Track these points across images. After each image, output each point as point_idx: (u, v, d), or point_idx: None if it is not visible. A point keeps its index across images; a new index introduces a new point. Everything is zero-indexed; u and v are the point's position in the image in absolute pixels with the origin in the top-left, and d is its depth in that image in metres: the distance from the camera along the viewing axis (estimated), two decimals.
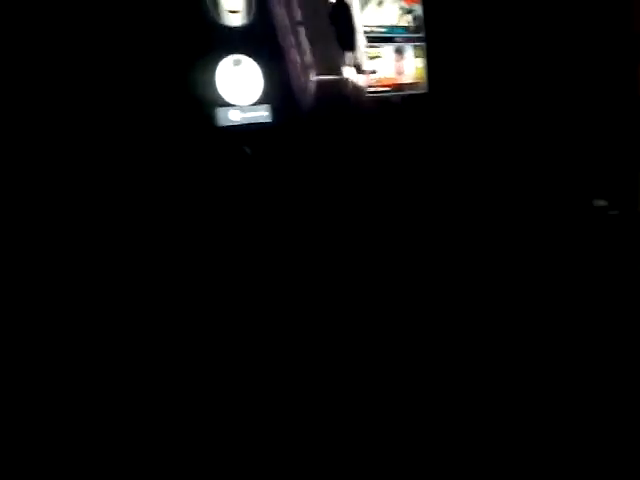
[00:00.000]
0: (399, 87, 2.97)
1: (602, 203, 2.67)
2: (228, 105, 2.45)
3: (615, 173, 2.83)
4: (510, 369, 2.20)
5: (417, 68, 3.03)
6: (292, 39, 2.62)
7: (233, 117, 2.48)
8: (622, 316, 2.36)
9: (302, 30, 2.64)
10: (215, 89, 2.42)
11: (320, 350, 2.33)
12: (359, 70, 2.83)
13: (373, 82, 2.88)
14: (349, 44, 2.78)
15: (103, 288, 2.07)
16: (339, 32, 2.74)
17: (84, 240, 2.06)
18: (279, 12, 2.56)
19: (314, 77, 2.70)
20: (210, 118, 2.42)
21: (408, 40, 2.98)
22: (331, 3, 2.71)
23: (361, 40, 2.82)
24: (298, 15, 2.62)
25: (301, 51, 2.65)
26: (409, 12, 2.97)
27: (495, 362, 2.26)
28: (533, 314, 2.49)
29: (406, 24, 2.98)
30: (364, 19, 2.81)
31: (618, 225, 2.52)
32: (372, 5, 2.83)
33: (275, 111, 2.57)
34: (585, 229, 2.75)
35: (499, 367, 2.22)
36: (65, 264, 2.01)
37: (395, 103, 2.95)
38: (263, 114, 2.55)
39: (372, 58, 2.85)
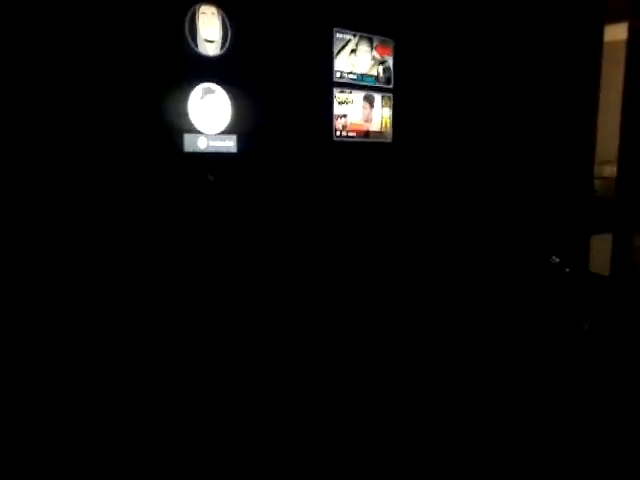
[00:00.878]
0: (366, 134, 3.03)
1: (557, 260, 2.79)
2: (196, 132, 2.43)
3: (570, 234, 2.98)
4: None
5: (384, 117, 3.10)
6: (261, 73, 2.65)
7: (200, 144, 2.45)
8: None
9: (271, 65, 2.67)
10: (185, 115, 2.40)
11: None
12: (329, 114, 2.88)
13: (341, 126, 2.92)
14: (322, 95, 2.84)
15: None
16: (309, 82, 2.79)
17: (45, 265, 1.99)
18: (251, 46, 2.59)
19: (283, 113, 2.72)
20: (178, 144, 2.39)
21: (378, 89, 3.06)
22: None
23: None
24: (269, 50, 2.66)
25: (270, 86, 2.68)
26: (381, 63, 3.06)
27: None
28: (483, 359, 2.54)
29: (377, 74, 3.06)
30: (337, 64, 2.87)
31: (570, 281, 2.62)
32: (345, 52, 2.90)
33: (241, 141, 2.56)
34: (541, 283, 2.86)
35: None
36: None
37: (360, 148, 3.01)
38: (229, 144, 2.54)
39: (341, 103, 2.90)
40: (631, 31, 4.27)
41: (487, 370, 2.45)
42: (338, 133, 2.91)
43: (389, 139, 3.14)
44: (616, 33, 4.42)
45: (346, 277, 2.82)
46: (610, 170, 4.24)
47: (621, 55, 4.37)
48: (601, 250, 2.96)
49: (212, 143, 2.49)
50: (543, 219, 3.24)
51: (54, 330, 1.98)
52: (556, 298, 2.64)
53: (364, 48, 2.98)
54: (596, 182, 3.99)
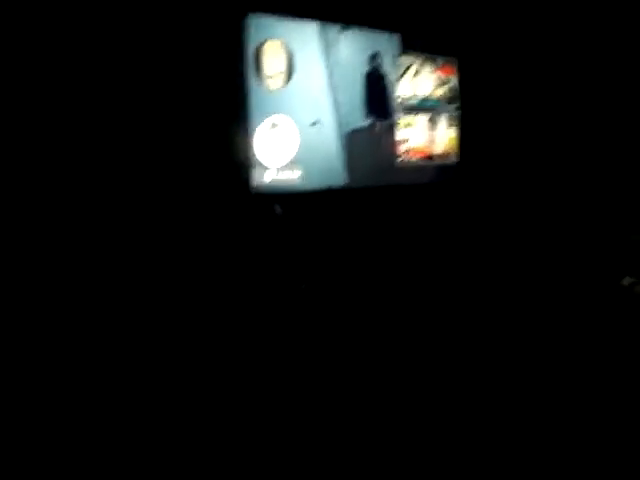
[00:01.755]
0: (430, 156, 3.02)
1: (629, 280, 2.66)
2: (262, 166, 2.52)
3: None
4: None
5: (450, 138, 3.07)
6: (328, 105, 2.70)
7: (266, 178, 2.54)
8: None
9: (338, 96, 2.71)
10: (251, 150, 2.49)
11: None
12: (392, 138, 2.90)
13: (405, 150, 2.93)
14: (382, 112, 2.85)
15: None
16: (372, 100, 2.81)
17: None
18: (316, 79, 2.64)
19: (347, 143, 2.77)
20: (245, 177, 2.49)
21: (442, 110, 3.03)
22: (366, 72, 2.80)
23: (395, 108, 2.89)
24: (334, 82, 2.71)
25: (337, 118, 2.72)
26: (445, 83, 3.03)
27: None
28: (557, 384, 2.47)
29: (441, 94, 3.03)
30: (399, 88, 2.87)
31: None
32: (408, 75, 2.89)
33: (307, 174, 2.64)
34: (611, 306, 2.74)
35: None
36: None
37: (427, 172, 2.99)
38: (295, 176, 2.61)
39: (405, 126, 2.90)
40: None
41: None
42: (402, 157, 2.92)
43: (456, 159, 3.11)
44: None
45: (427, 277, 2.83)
46: None
47: None
48: None
49: (278, 176, 2.57)
50: (619, 234, 3.08)
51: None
52: (628, 324, 2.53)
53: (427, 69, 2.96)
54: None
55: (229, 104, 2.42)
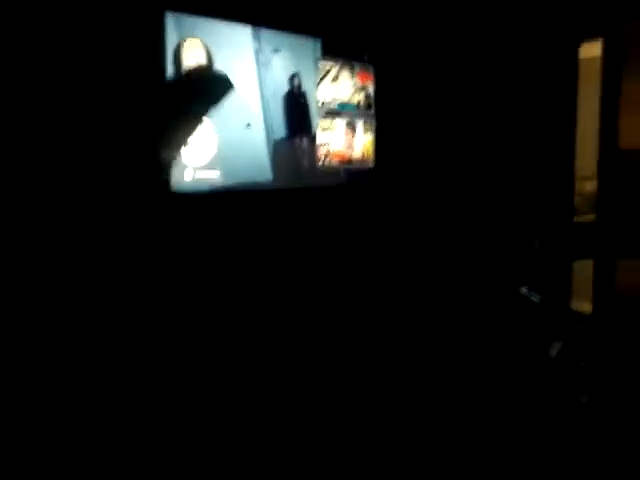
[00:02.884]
0: (349, 160, 3.06)
1: (525, 290, 2.78)
2: (182, 165, 2.43)
3: (547, 260, 2.98)
4: None
5: (366, 143, 3.13)
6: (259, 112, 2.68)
7: (186, 176, 2.44)
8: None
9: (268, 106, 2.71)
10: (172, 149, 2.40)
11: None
12: (312, 141, 2.91)
13: (325, 154, 2.95)
14: (303, 126, 2.87)
15: None
16: (292, 116, 2.82)
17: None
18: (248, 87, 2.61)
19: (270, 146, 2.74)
20: (164, 176, 2.38)
21: (359, 116, 3.09)
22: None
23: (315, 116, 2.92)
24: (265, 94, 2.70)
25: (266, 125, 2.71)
26: (362, 89, 3.09)
27: None
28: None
29: (358, 100, 3.09)
30: (319, 92, 2.89)
31: (542, 313, 2.63)
32: (327, 80, 2.93)
33: (229, 172, 2.57)
34: (507, 316, 2.88)
35: None
36: None
37: (345, 175, 3.04)
38: (215, 175, 2.53)
39: (324, 130, 2.92)
40: (605, 48, 4.34)
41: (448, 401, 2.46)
42: (322, 160, 2.94)
43: (372, 164, 3.17)
44: (592, 50, 4.49)
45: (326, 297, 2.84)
46: (592, 186, 4.27)
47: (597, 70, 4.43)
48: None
49: (198, 175, 2.49)
50: (519, 243, 3.27)
51: None
52: (522, 331, 2.66)
53: (345, 75, 3.01)
54: (577, 198, 4.03)
55: (148, 100, 2.31)
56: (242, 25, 2.60)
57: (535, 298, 2.63)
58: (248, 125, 2.65)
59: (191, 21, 2.42)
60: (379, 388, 2.45)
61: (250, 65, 2.64)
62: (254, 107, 2.67)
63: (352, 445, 2.03)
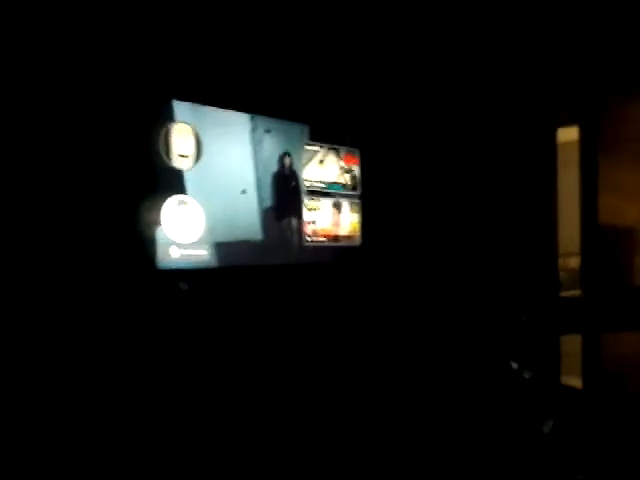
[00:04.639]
0: (335, 238, 3.14)
1: (515, 366, 2.77)
2: (169, 242, 2.50)
3: (534, 335, 2.99)
4: None
5: (352, 222, 3.23)
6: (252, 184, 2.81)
7: (173, 254, 2.52)
8: None
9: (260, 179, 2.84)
10: (159, 226, 2.48)
11: None
12: (299, 221, 3.00)
13: (312, 232, 3.04)
14: (291, 199, 2.98)
15: None
16: (281, 193, 2.94)
17: None
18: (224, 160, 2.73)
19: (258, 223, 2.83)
20: (151, 254, 2.45)
21: (345, 196, 3.21)
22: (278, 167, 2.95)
23: (302, 196, 3.03)
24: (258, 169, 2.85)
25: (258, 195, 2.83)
26: (348, 172, 3.23)
27: None
28: None
29: (344, 181, 3.22)
30: (306, 174, 3.02)
31: (532, 388, 2.61)
32: (314, 162, 3.06)
33: (215, 251, 2.64)
34: (498, 392, 2.86)
35: None
36: None
37: (332, 252, 3.10)
38: (203, 253, 2.60)
39: (311, 210, 3.03)
40: (582, 132, 4.56)
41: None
42: (309, 238, 3.02)
43: (358, 242, 3.25)
44: (570, 134, 4.70)
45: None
46: (576, 262, 4.34)
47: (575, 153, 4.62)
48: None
49: (185, 252, 2.56)
50: (505, 318, 3.29)
51: None
52: (513, 408, 2.64)
53: (331, 158, 3.16)
54: (562, 274, 4.09)
55: (136, 181, 2.41)
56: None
57: (526, 374, 2.63)
58: (243, 191, 2.79)
59: (182, 106, 2.57)
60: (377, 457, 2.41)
61: (245, 142, 2.81)
62: (249, 177, 2.82)
63: None
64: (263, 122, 2.85)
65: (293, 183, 3.00)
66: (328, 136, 3.14)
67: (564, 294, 3.84)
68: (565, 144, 4.43)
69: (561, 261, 4.05)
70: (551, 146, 4.22)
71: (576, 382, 2.61)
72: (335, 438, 2.60)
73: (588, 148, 4.45)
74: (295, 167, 3.00)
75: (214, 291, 2.61)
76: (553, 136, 4.22)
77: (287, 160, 2.97)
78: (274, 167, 2.92)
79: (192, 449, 2.29)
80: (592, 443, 2.39)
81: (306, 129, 3.05)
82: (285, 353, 2.77)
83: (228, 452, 2.35)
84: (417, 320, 3.33)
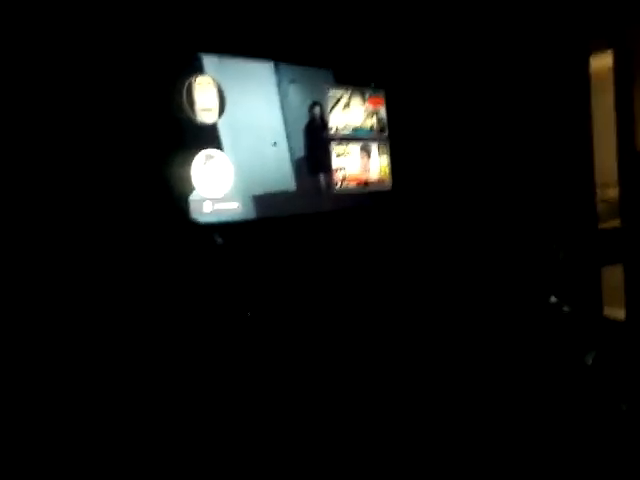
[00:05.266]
0: (366, 183, 3.10)
1: (554, 300, 2.73)
2: (201, 197, 2.51)
3: (574, 268, 2.94)
4: None
5: (382, 166, 3.18)
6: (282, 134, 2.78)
7: (206, 208, 2.52)
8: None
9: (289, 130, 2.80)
10: (189, 182, 2.48)
11: None
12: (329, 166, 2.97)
13: (342, 178, 3.00)
14: (320, 147, 2.94)
15: None
16: (311, 137, 2.90)
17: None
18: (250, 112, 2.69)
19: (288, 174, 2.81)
20: (184, 209, 2.46)
21: (373, 139, 3.14)
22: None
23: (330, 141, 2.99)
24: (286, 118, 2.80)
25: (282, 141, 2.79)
26: (374, 114, 3.15)
27: None
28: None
29: (371, 124, 3.15)
30: (332, 120, 2.96)
31: (571, 321, 2.58)
32: (339, 107, 3.00)
33: (248, 204, 2.64)
34: (538, 323, 2.83)
35: None
36: None
37: (363, 197, 3.07)
38: (235, 206, 2.60)
39: (339, 155, 2.98)
40: (615, 58, 4.37)
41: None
42: (339, 184, 2.99)
43: (389, 186, 3.21)
44: (604, 61, 4.52)
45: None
46: (614, 192, 4.23)
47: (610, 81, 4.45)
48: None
49: (217, 206, 2.56)
50: (544, 253, 3.23)
51: None
52: (555, 341, 2.61)
53: (357, 101, 3.08)
54: (600, 205, 3.99)
55: (164, 137, 2.40)
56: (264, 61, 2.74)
57: (566, 307, 2.60)
58: (275, 144, 2.77)
59: (204, 59, 2.53)
60: (405, 404, 2.43)
61: (271, 93, 2.76)
62: (278, 129, 2.79)
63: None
64: (287, 71, 2.79)
65: (322, 131, 2.95)
66: (352, 79, 3.05)
67: (603, 226, 3.75)
68: (600, 70, 4.25)
69: (599, 192, 3.95)
70: (584, 73, 4.05)
71: (619, 314, 2.56)
72: (373, 378, 2.64)
73: (623, 74, 4.26)
74: (324, 115, 2.94)
75: (249, 243, 2.62)
76: (586, 63, 4.05)
77: (317, 109, 2.92)
78: (303, 117, 2.87)
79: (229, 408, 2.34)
80: (635, 373, 2.37)
81: (330, 74, 2.97)
82: (322, 301, 2.78)
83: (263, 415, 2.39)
84: (453, 259, 3.30)
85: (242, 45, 2.63)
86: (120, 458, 1.95)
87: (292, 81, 2.81)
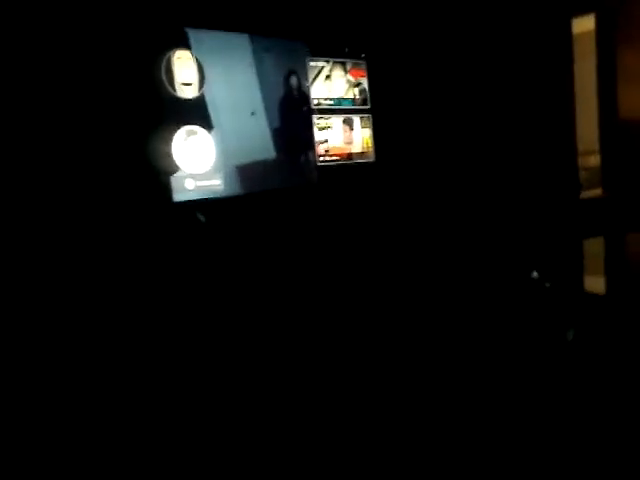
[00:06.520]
0: (349, 156, 3.09)
1: (536, 275, 2.75)
2: (184, 174, 2.49)
3: (555, 241, 2.96)
4: None
5: (365, 138, 3.16)
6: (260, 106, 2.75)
7: (188, 185, 2.51)
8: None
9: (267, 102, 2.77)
10: (170, 158, 2.46)
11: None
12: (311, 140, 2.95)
13: (324, 151, 2.99)
14: (299, 119, 2.91)
15: None
16: (289, 107, 2.86)
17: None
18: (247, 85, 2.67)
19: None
20: (166, 186, 2.45)
21: (355, 111, 3.12)
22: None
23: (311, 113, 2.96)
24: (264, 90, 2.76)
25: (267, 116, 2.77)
26: (356, 85, 3.12)
27: None
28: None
29: (353, 96, 3.12)
30: (313, 91, 2.93)
31: (551, 297, 2.60)
32: (320, 78, 2.96)
33: (230, 179, 2.62)
34: (519, 298, 2.87)
35: None
36: None
37: (347, 170, 3.07)
38: (218, 182, 2.59)
39: (322, 129, 2.96)
40: (598, 21, 4.35)
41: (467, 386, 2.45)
42: (322, 157, 2.97)
43: (372, 158, 3.20)
44: (585, 24, 4.49)
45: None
46: (596, 160, 4.26)
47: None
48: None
49: (199, 183, 2.54)
50: (525, 224, 3.25)
51: None
52: (534, 317, 2.64)
53: (338, 73, 3.05)
54: (582, 173, 4.02)
55: (144, 113, 2.37)
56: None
57: (547, 283, 2.61)
58: (252, 113, 2.73)
59: (181, 32, 2.48)
60: (388, 383, 2.47)
61: (247, 64, 2.72)
62: (256, 99, 2.75)
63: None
64: (262, 42, 2.74)
65: (302, 102, 2.91)
66: (331, 50, 3.01)
67: (585, 194, 3.79)
68: (582, 34, 4.23)
69: (581, 160, 3.97)
70: (566, 37, 4.02)
71: (599, 286, 2.59)
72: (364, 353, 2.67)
73: (605, 38, 4.24)
74: (302, 85, 2.91)
75: (232, 219, 2.61)
76: (568, 26, 4.02)
77: (293, 79, 2.87)
78: (281, 87, 2.83)
79: (220, 390, 2.36)
80: (617, 349, 2.41)
81: (307, 45, 2.92)
82: (309, 276, 2.80)
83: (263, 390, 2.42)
84: (434, 233, 3.33)
85: (215, 18, 2.58)
86: (116, 451, 1.96)
87: (266, 50, 2.76)
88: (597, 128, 4.19)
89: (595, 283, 2.69)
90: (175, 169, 2.47)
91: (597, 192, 3.87)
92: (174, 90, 2.47)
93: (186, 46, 2.48)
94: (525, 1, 3.65)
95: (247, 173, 2.68)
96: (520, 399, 2.29)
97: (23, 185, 2.05)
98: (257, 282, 2.63)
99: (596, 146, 4.16)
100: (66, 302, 2.11)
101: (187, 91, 2.51)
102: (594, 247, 2.98)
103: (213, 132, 2.56)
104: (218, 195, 2.59)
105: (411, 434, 2.06)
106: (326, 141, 2.99)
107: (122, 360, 2.18)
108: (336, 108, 3.04)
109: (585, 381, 2.29)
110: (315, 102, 2.95)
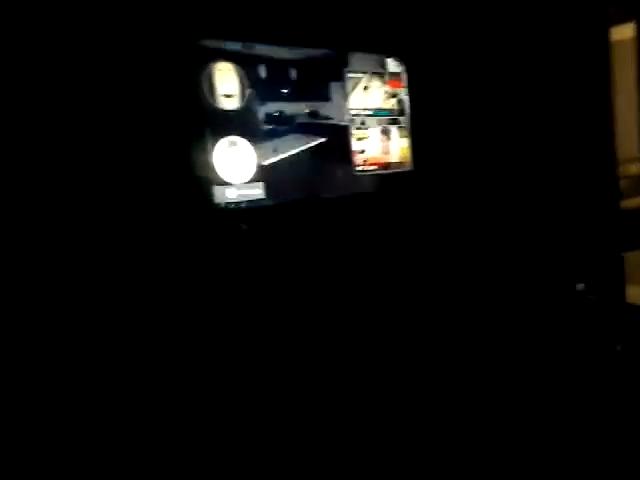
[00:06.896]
0: (386, 165, 3.12)
1: (581, 287, 2.71)
2: (225, 183, 2.55)
3: (597, 253, 2.91)
4: None
5: (402, 148, 3.18)
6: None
7: (229, 195, 2.56)
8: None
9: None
10: (212, 168, 2.52)
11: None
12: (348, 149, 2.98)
13: (362, 161, 3.01)
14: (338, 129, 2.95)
15: None
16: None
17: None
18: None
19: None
20: (208, 196, 2.51)
21: (393, 122, 3.14)
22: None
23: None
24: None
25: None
26: (393, 96, 3.14)
27: None
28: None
29: (391, 106, 3.14)
30: (351, 102, 2.97)
31: (596, 309, 2.56)
32: (359, 90, 3.00)
33: (270, 189, 2.67)
34: (564, 311, 2.82)
35: None
36: None
37: (384, 180, 3.08)
38: (258, 192, 2.64)
39: (360, 139, 2.99)
40: (638, 29, 4.29)
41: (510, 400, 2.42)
42: (359, 168, 3.00)
43: (410, 167, 3.21)
44: (625, 33, 4.44)
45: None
46: (637, 168, 4.18)
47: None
48: None
49: (241, 192, 2.60)
50: (567, 235, 3.20)
51: None
52: (582, 330, 2.59)
53: (376, 84, 3.07)
54: (622, 182, 3.94)
55: (186, 125, 2.43)
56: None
57: (592, 296, 2.57)
58: (293, 124, 2.76)
59: (223, 45, 2.54)
60: (438, 393, 2.46)
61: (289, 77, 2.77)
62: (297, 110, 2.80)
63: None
64: (302, 54, 2.78)
65: (341, 113, 2.95)
66: (369, 63, 3.04)
67: (625, 203, 3.71)
68: (622, 42, 4.18)
69: (621, 168, 3.90)
70: (604, 45, 3.98)
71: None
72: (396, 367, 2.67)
73: None
74: (339, 97, 2.94)
75: (273, 227, 2.66)
76: (606, 34, 3.98)
77: (332, 90, 2.91)
78: (320, 97, 2.87)
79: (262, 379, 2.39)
80: None
81: (347, 57, 2.96)
82: (349, 282, 2.82)
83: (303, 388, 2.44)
84: (475, 244, 3.31)
85: (256, 31, 2.64)
86: (117, 450, 1.98)
87: (307, 62, 2.80)
88: (637, 135, 4.13)
89: (637, 294, 2.64)
90: (217, 179, 2.53)
91: (638, 201, 3.80)
92: (215, 102, 2.52)
93: (227, 58, 2.54)
94: (565, 9, 3.62)
95: (287, 183, 2.72)
96: (568, 410, 2.26)
97: (74, 192, 2.12)
98: (297, 288, 2.66)
99: (637, 153, 4.09)
100: (109, 305, 2.16)
101: (228, 103, 2.56)
102: (635, 258, 2.92)
103: (254, 143, 2.61)
104: (259, 204, 2.63)
105: (444, 441, 2.06)
106: (364, 151, 3.02)
107: (156, 363, 2.22)
108: (374, 119, 3.07)
109: (631, 391, 2.25)
110: (353, 113, 2.98)
